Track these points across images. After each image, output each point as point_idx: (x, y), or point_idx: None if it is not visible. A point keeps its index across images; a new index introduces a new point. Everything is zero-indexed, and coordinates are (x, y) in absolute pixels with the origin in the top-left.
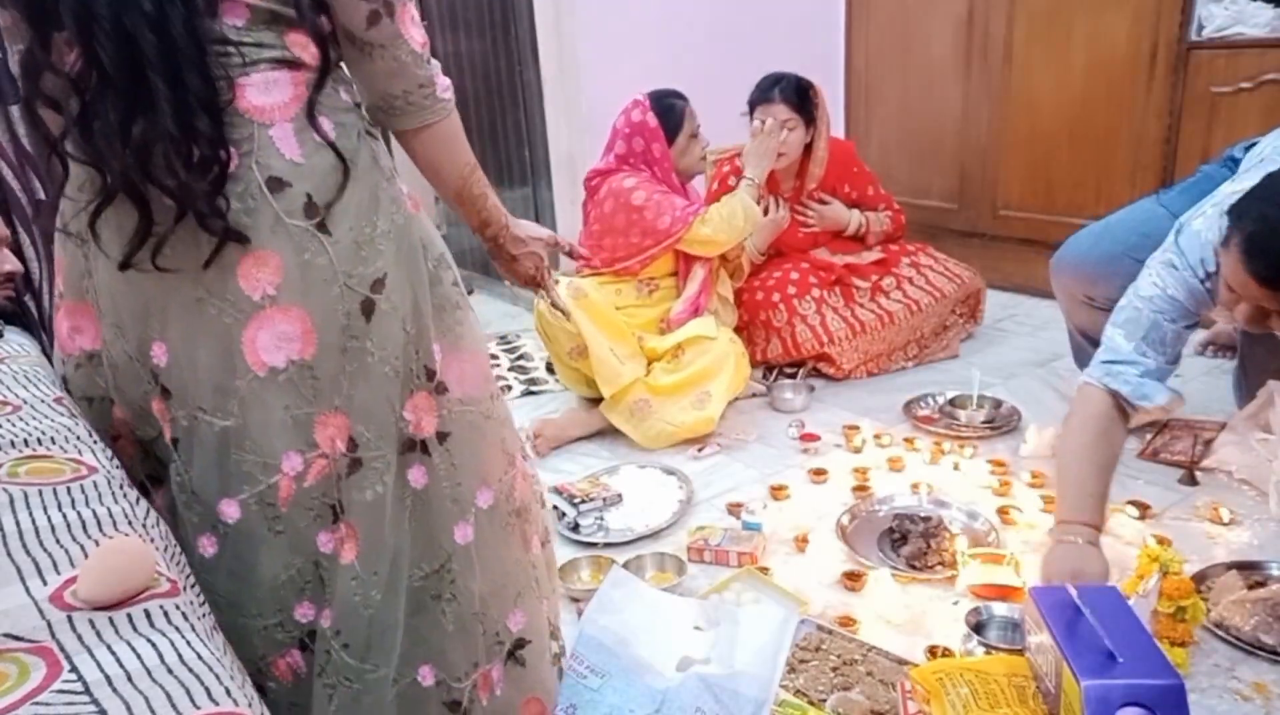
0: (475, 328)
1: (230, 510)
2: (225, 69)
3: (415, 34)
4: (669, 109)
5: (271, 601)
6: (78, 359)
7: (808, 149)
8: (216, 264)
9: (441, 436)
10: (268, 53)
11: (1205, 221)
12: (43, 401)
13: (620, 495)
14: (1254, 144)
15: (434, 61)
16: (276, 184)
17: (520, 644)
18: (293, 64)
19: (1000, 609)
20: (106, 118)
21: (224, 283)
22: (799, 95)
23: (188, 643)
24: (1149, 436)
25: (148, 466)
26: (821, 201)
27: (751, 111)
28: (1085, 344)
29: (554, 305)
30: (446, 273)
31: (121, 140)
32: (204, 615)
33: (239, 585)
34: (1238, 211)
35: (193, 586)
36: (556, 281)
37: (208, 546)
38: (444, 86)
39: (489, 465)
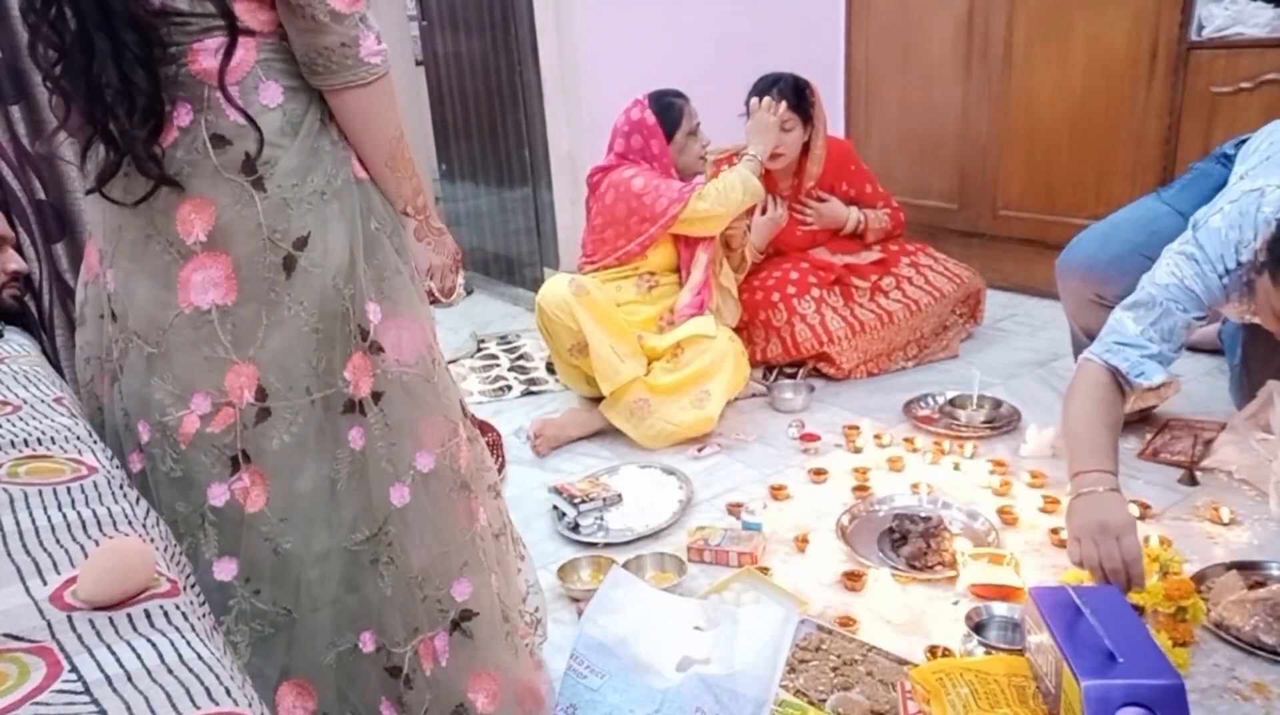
0: (415, 296)
1: (144, 431)
2: (181, 35)
3: None
4: (668, 107)
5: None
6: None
7: (805, 147)
8: (163, 206)
9: (376, 397)
10: (218, 21)
11: (1224, 218)
12: (43, 401)
13: (620, 495)
14: (1244, 140)
15: (369, 23)
16: (219, 141)
17: (466, 615)
18: (241, 31)
19: (1000, 609)
20: (75, 60)
21: (167, 224)
22: (796, 95)
23: (188, 643)
24: (1149, 436)
25: None
26: (819, 199)
27: (749, 113)
28: (1089, 346)
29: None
30: (389, 239)
31: (85, 80)
32: (204, 615)
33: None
34: None
35: (193, 586)
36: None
37: (135, 462)
38: (371, 50)
39: (428, 429)
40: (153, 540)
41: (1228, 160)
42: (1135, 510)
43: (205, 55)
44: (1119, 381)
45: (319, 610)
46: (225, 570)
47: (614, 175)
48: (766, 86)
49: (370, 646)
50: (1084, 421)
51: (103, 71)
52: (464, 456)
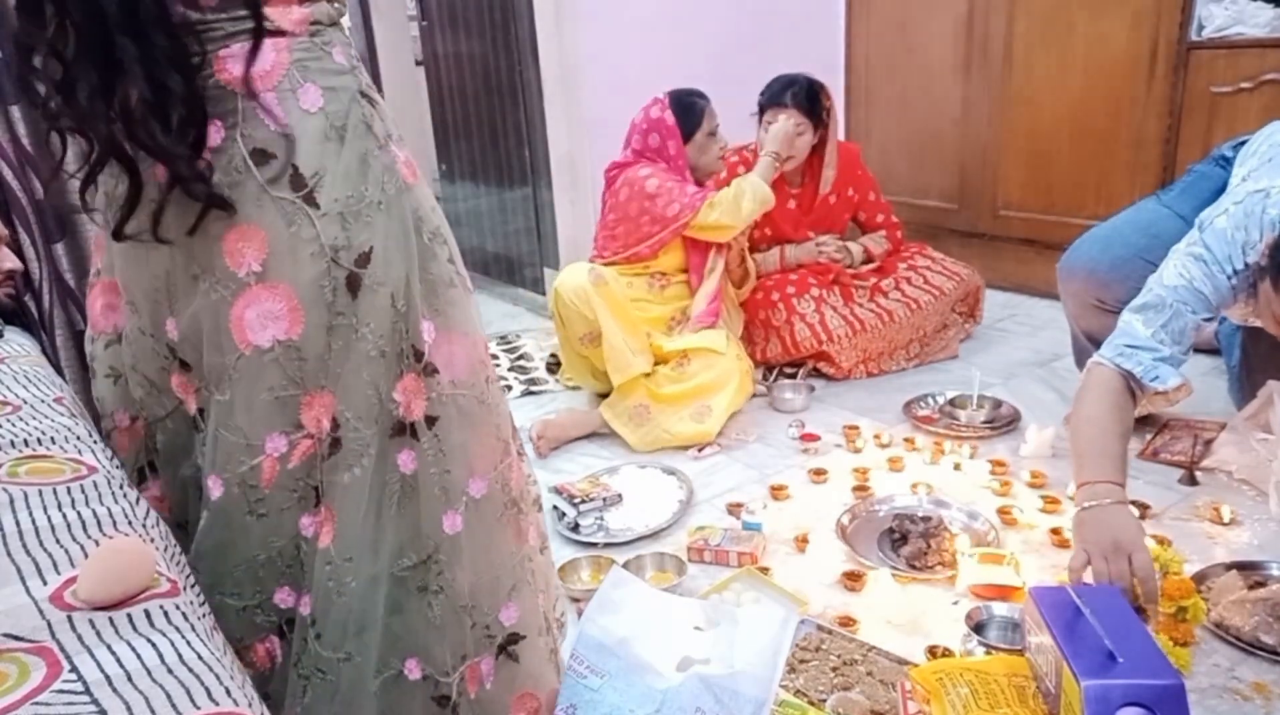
0: (469, 309)
1: (215, 487)
2: (205, 43)
3: None
4: (688, 107)
5: (249, 582)
6: (109, 337)
7: (816, 151)
8: (203, 239)
9: (430, 420)
10: (246, 24)
11: (1230, 219)
12: (43, 401)
13: (620, 495)
14: (1243, 142)
15: None
16: (260, 155)
17: (513, 639)
18: (273, 33)
19: (1000, 609)
20: (89, 79)
21: (211, 258)
22: (810, 99)
23: (188, 643)
24: (1149, 436)
25: (149, 454)
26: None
27: (761, 113)
28: (1090, 348)
29: None
30: (441, 249)
31: (105, 102)
32: (204, 615)
33: (216, 562)
34: None
35: (193, 586)
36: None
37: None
38: None
39: (481, 453)
40: (153, 540)
41: (1226, 162)
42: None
43: (233, 62)
44: (1131, 386)
45: (364, 633)
46: (306, 605)
47: (630, 172)
48: (780, 90)
49: (416, 674)
50: (1095, 428)
51: (132, 83)
52: (515, 476)
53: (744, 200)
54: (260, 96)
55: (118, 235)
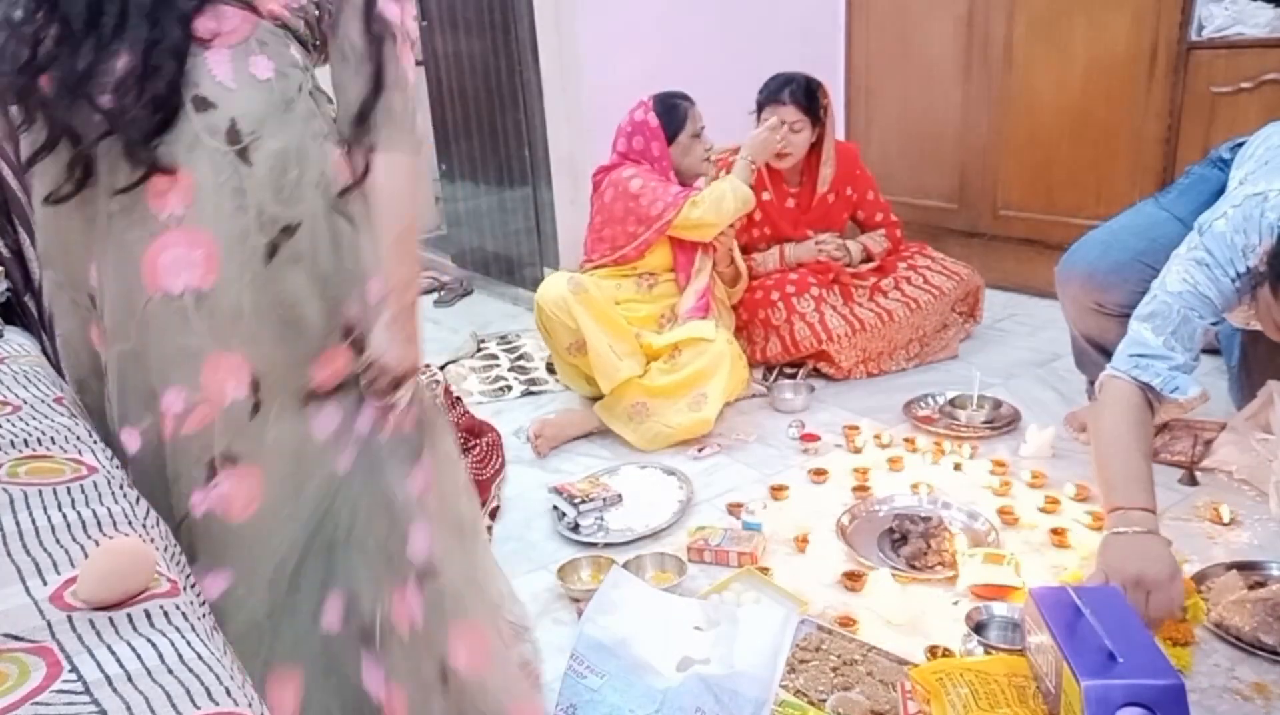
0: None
1: (130, 441)
2: (183, 6)
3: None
4: (672, 109)
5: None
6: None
7: (814, 149)
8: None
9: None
10: None
11: (1229, 223)
12: (43, 401)
13: (620, 495)
14: (1240, 144)
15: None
16: (201, 103)
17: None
18: (249, 7)
19: (1000, 609)
20: (65, 63)
21: (133, 199)
22: (808, 97)
23: (188, 643)
24: None
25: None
26: (842, 235)
27: (759, 111)
28: (1090, 350)
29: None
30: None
31: (79, 79)
32: (204, 615)
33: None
34: None
35: (193, 586)
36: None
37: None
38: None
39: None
40: (152, 540)
41: (1224, 164)
42: (1166, 541)
43: (200, 20)
44: (1149, 398)
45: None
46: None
47: (614, 174)
48: (778, 87)
49: (338, 615)
50: (1120, 448)
51: (127, 58)
52: (409, 418)
53: (725, 200)
54: (213, 50)
55: (54, 199)
